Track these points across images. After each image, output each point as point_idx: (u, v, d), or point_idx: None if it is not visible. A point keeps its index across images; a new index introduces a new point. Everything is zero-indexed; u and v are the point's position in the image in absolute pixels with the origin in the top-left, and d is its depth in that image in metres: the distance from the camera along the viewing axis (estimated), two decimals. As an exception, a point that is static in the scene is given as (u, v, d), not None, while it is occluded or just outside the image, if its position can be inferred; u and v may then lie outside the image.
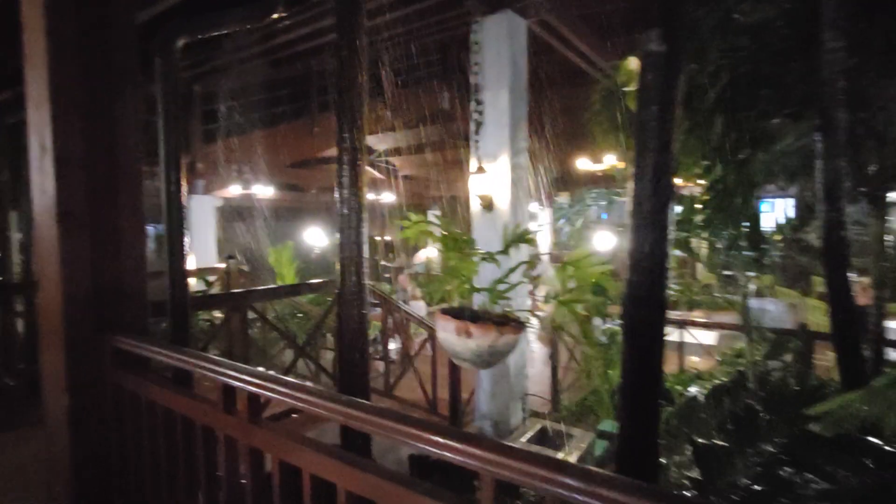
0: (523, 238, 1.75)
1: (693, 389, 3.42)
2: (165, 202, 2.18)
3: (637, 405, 1.71)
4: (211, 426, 1.43)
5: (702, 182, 2.55)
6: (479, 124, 4.39)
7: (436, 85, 7.35)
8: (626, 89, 2.84)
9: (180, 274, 2.24)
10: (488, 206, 4.47)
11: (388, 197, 14.63)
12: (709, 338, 6.07)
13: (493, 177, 4.38)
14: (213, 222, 8.50)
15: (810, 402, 2.00)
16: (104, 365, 1.80)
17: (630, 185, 1.73)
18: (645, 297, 1.68)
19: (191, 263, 8.02)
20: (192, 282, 6.80)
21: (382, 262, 13.94)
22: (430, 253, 10.18)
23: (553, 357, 5.16)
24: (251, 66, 6.95)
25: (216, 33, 2.22)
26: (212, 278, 6.60)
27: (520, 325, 1.64)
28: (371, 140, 11.94)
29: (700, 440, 2.20)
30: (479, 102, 4.39)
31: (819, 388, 2.62)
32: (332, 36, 5.76)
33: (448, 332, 1.59)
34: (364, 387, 2.55)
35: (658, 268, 1.68)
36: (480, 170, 4.34)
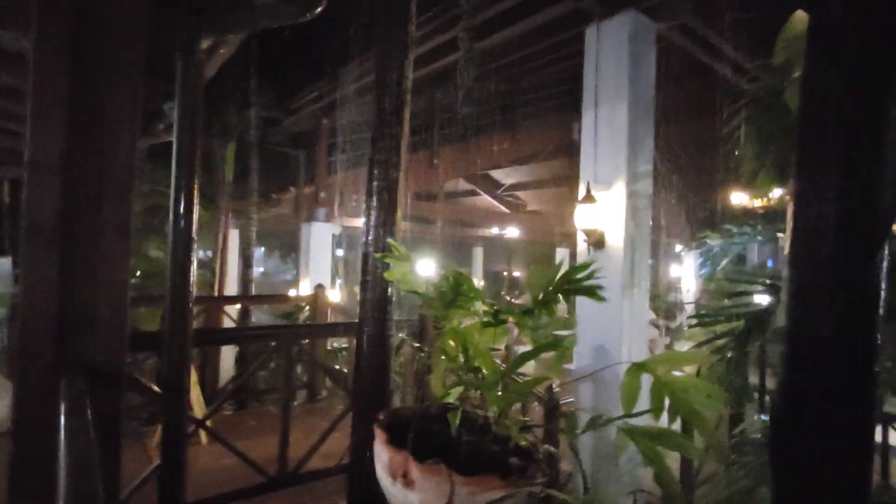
0: (573, 282, 0.96)
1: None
2: (172, 221, 1.94)
3: None
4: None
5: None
6: (585, 145, 3.67)
7: (563, 115, 6.81)
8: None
9: (182, 303, 1.94)
10: (598, 243, 3.66)
11: (514, 232, 14.12)
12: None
13: (604, 208, 3.59)
14: (329, 248, 8.79)
15: None
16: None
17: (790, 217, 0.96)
18: (818, 426, 0.88)
19: (305, 287, 8.36)
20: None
21: (507, 299, 13.35)
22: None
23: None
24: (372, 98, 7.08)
25: (249, 31, 1.98)
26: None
27: (523, 472, 0.82)
28: (497, 174, 11.63)
29: None
30: (589, 119, 3.67)
31: None
32: (447, 61, 5.61)
33: (381, 466, 0.89)
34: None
35: (856, 369, 0.87)
36: (588, 198, 3.58)
